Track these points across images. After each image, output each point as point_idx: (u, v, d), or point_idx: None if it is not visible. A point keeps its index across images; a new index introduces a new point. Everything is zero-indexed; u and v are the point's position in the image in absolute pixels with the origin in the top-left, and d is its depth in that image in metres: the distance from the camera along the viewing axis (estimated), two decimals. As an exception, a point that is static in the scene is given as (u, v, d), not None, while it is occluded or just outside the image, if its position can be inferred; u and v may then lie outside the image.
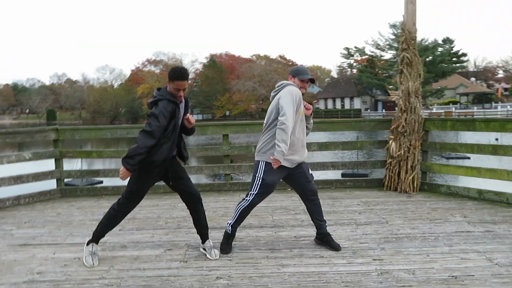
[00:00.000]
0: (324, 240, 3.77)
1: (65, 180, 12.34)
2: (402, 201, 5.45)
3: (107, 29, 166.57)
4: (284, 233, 4.22)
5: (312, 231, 4.04)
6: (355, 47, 63.58)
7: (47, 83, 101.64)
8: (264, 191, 3.60)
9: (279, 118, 3.41)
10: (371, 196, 5.76)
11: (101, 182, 13.09)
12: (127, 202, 3.45)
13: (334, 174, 12.58)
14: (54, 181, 6.29)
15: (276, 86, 3.72)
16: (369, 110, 59.68)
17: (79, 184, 13.04)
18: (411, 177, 5.91)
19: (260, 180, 3.57)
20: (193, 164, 6.57)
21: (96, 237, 3.54)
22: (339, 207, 5.20)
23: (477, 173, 5.55)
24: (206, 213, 5.03)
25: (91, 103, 79.41)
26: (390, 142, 6.10)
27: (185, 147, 3.61)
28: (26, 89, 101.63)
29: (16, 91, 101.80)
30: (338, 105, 64.43)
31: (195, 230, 4.20)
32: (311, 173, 3.76)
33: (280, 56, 72.31)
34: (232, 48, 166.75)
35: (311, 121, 3.86)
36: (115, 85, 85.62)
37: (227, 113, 60.85)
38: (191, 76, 71.08)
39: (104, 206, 5.32)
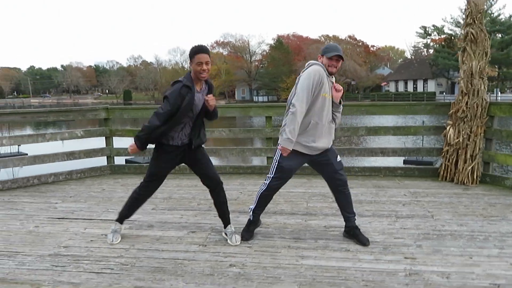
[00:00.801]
0: (351, 233, 3.48)
1: (127, 157, 13.07)
2: (456, 193, 4.92)
3: (178, 12, 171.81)
4: (314, 221, 3.99)
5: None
6: (433, 26, 59.32)
7: (125, 64, 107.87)
8: (281, 175, 3.40)
9: (292, 101, 3.17)
10: (422, 186, 5.28)
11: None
12: (147, 184, 3.44)
13: (394, 160, 11.92)
14: (105, 158, 6.57)
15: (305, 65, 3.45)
16: (444, 93, 55.69)
17: (141, 161, 13.66)
18: (470, 167, 5.31)
19: (276, 163, 3.39)
20: (233, 146, 6.47)
21: (120, 217, 3.58)
22: (383, 197, 4.82)
23: (550, 166, 4.83)
24: (241, 196, 4.98)
25: (163, 84, 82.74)
26: (448, 128, 5.52)
27: (199, 135, 3.35)
28: (106, 71, 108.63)
29: (98, 72, 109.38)
30: (410, 88, 60.90)
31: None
32: (340, 160, 3.44)
33: (350, 37, 69.73)
34: (300, 28, 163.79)
35: (340, 109, 3.40)
36: (186, 67, 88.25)
37: (293, 95, 59.95)
38: (257, 57, 71.39)
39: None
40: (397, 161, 12.09)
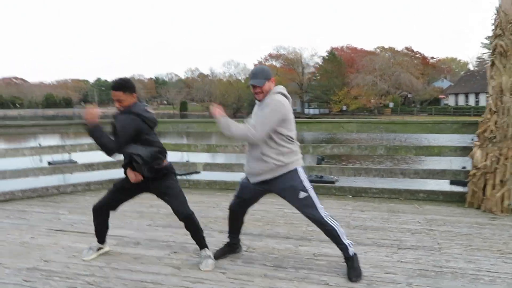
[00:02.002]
0: (348, 265, 3.19)
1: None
2: (479, 223, 4.42)
3: (233, 25, 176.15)
4: (305, 248, 3.73)
5: (338, 250, 3.46)
6: (499, 36, 55.64)
7: (183, 77, 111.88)
8: (238, 193, 3.40)
9: None
10: (442, 213, 4.81)
11: (198, 172, 13.70)
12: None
13: (434, 183, 11.11)
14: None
15: None
16: (511, 107, 51.67)
17: (178, 172, 13.83)
18: (499, 194, 4.76)
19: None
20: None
21: (97, 238, 3.56)
22: (392, 223, 4.44)
23: None
24: (248, 216, 4.81)
25: (217, 95, 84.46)
26: (475, 149, 5.01)
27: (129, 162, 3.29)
28: (165, 82, 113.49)
29: (158, 84, 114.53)
30: (472, 102, 57.36)
31: (217, 233, 4.10)
32: (304, 197, 3.11)
33: (407, 48, 67.17)
34: (355, 40, 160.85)
35: None
36: (240, 79, 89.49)
37: (344, 108, 58.88)
38: (310, 70, 70.82)
39: (154, 197, 5.42)
40: (440, 183, 11.23)
